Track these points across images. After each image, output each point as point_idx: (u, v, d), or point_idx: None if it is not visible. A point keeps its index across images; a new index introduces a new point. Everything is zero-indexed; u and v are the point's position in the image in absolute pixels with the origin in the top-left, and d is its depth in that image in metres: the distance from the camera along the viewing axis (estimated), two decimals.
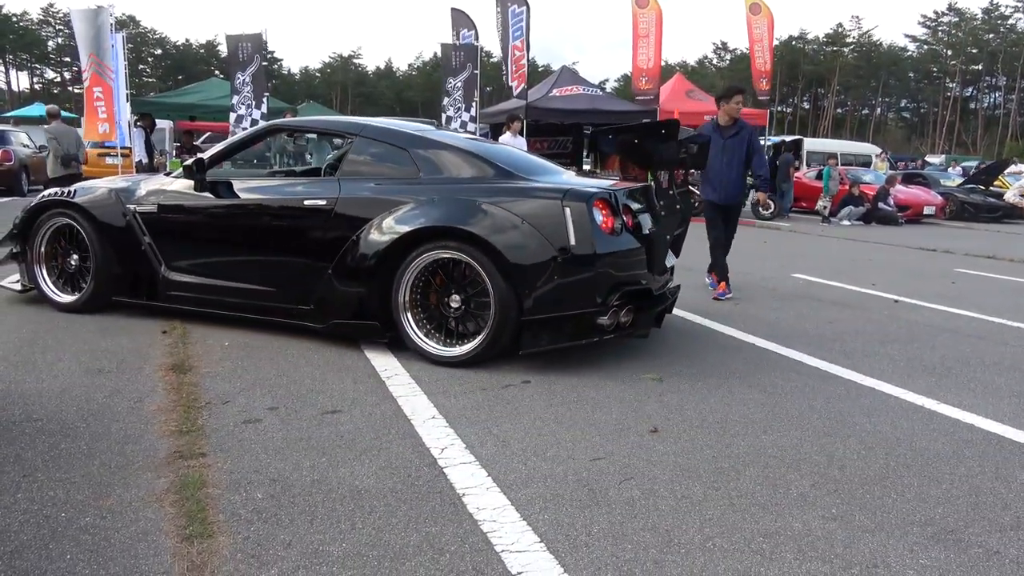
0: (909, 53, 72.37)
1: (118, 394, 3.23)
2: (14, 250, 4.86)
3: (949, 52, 69.10)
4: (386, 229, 3.86)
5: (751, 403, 3.43)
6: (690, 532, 2.22)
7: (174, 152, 15.49)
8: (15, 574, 1.89)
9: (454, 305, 3.82)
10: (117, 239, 4.52)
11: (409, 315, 3.86)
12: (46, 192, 4.93)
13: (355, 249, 3.93)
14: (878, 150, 23.74)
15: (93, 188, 4.76)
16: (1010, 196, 17.55)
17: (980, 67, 67.71)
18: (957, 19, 68.86)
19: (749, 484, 2.56)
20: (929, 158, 37.12)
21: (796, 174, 16.40)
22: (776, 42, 22.72)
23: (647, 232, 4.02)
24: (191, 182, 4.33)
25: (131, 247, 4.51)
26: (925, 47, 71.65)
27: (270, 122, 4.89)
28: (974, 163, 30.75)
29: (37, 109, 28.56)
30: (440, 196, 3.88)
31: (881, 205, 15.23)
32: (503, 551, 2.07)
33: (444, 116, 13.76)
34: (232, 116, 12.60)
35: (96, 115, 10.59)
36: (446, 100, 13.80)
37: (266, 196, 4.32)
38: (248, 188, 4.38)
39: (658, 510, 2.35)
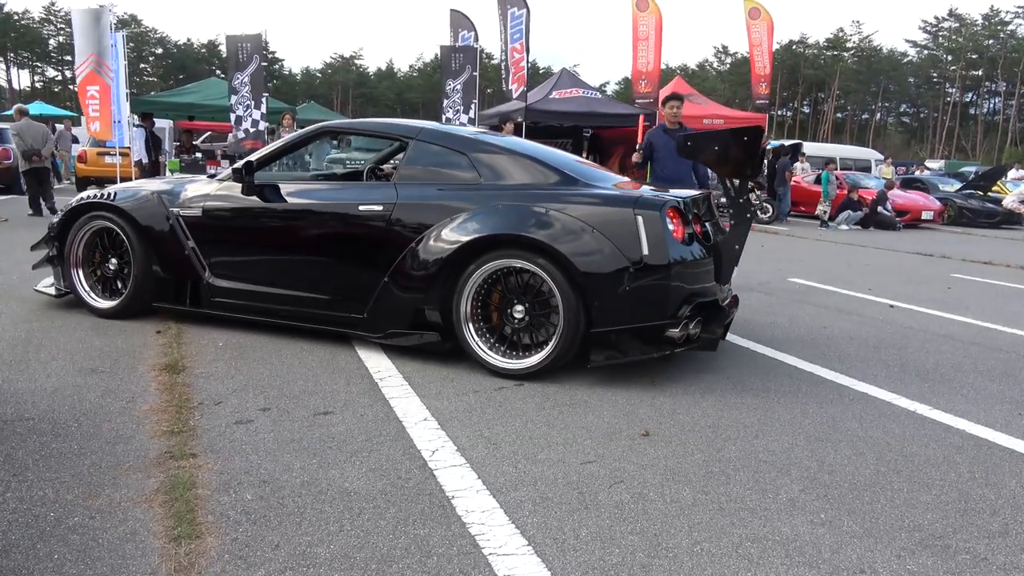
0: (909, 58, 72.53)
1: (111, 394, 3.23)
2: (51, 253, 4.74)
3: (949, 57, 69.23)
4: (448, 236, 3.74)
5: (743, 407, 3.43)
6: (678, 536, 2.22)
7: (173, 151, 15.48)
8: (2, 573, 1.89)
9: (517, 316, 3.71)
10: (159, 243, 4.40)
11: (471, 326, 3.76)
12: (84, 194, 4.81)
13: (414, 257, 3.82)
14: (878, 155, 23.76)
15: (135, 190, 4.62)
16: (1009, 202, 17.57)
17: (980, 72, 67.83)
18: (957, 24, 69.00)
19: (739, 489, 2.57)
20: (929, 163, 37.11)
21: (795, 177, 16.41)
22: (776, 46, 22.78)
23: (714, 241, 3.95)
24: (237, 185, 4.21)
25: (174, 252, 4.38)
26: (925, 52, 71.79)
27: (320, 124, 4.68)
28: (937, 164, 30.71)
29: (37, 107, 28.56)
30: (503, 202, 3.76)
31: (879, 210, 15.24)
32: (491, 554, 2.07)
33: (444, 118, 13.77)
34: (232, 117, 12.61)
35: (87, 113, 10.60)
36: (446, 102, 13.82)
37: (318, 200, 4.19)
38: (297, 192, 4.25)
39: (647, 514, 2.35)
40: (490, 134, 4.57)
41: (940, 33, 70.47)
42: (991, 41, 66.42)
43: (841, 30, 72.72)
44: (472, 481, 2.53)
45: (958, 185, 19.95)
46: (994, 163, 40.89)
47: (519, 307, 3.71)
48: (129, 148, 12.15)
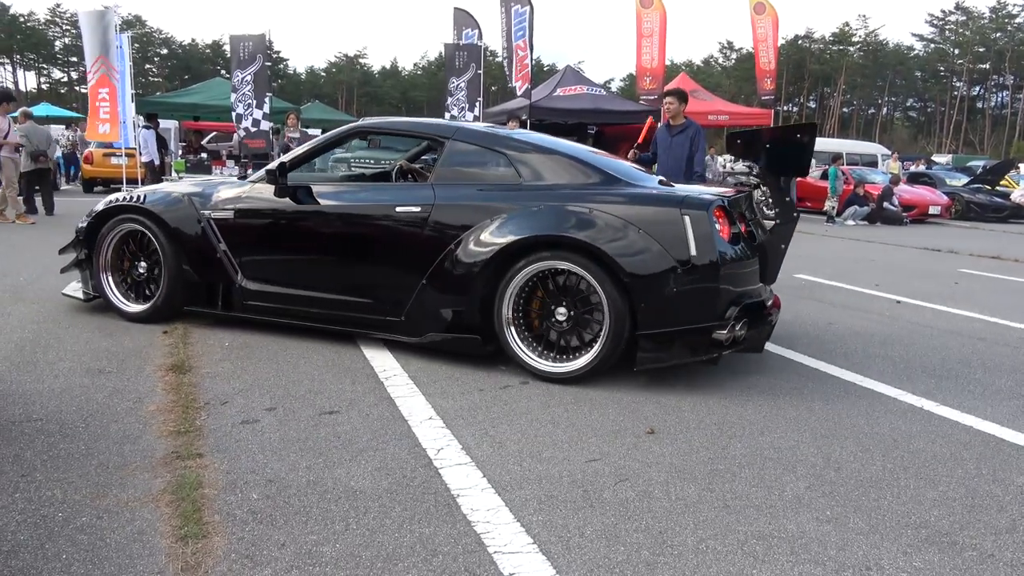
0: (916, 52, 72.11)
1: (118, 394, 3.25)
2: (79, 257, 4.70)
3: (956, 51, 68.81)
4: (489, 238, 3.68)
5: (749, 404, 3.42)
6: (683, 534, 2.22)
7: (180, 152, 15.53)
8: (11, 573, 1.91)
9: (560, 318, 3.65)
10: (190, 246, 4.35)
11: (513, 329, 3.70)
12: (112, 196, 4.75)
13: (453, 258, 3.76)
14: (884, 150, 23.66)
15: (165, 193, 4.56)
16: (1017, 196, 17.47)
17: (987, 66, 67.38)
18: (964, 18, 68.55)
19: (744, 486, 2.56)
20: (936, 157, 36.92)
21: None
22: (782, 41, 22.68)
23: (759, 241, 3.89)
24: (269, 187, 4.18)
25: (205, 255, 4.33)
26: (932, 46, 71.37)
27: (354, 124, 4.61)
28: (945, 159, 30.27)
29: (43, 109, 28.70)
30: (545, 203, 3.69)
31: (886, 205, 15.18)
32: (496, 552, 2.08)
33: (448, 116, 13.77)
34: (233, 115, 12.64)
35: (98, 115, 10.66)
36: (450, 100, 13.84)
37: (353, 202, 4.15)
38: (330, 193, 4.21)
39: (652, 512, 2.35)
40: (527, 133, 4.49)
41: (947, 27, 70.06)
42: (999, 34, 65.97)
43: (847, 24, 72.41)
44: (477, 479, 2.53)
45: (965, 180, 19.85)
46: (1002, 157, 40.62)
47: (561, 309, 3.65)
48: (135, 149, 12.20)
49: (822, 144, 20.68)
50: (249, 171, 12.01)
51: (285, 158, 4.32)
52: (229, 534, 2.12)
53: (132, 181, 12.21)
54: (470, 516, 2.27)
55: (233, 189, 4.41)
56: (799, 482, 2.61)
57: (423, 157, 5.22)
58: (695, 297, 3.46)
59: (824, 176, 16.21)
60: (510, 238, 3.63)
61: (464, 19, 16.50)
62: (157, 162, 12.28)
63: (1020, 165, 23.35)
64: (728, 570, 2.04)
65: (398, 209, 3.95)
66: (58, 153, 14.92)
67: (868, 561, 2.11)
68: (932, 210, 16.16)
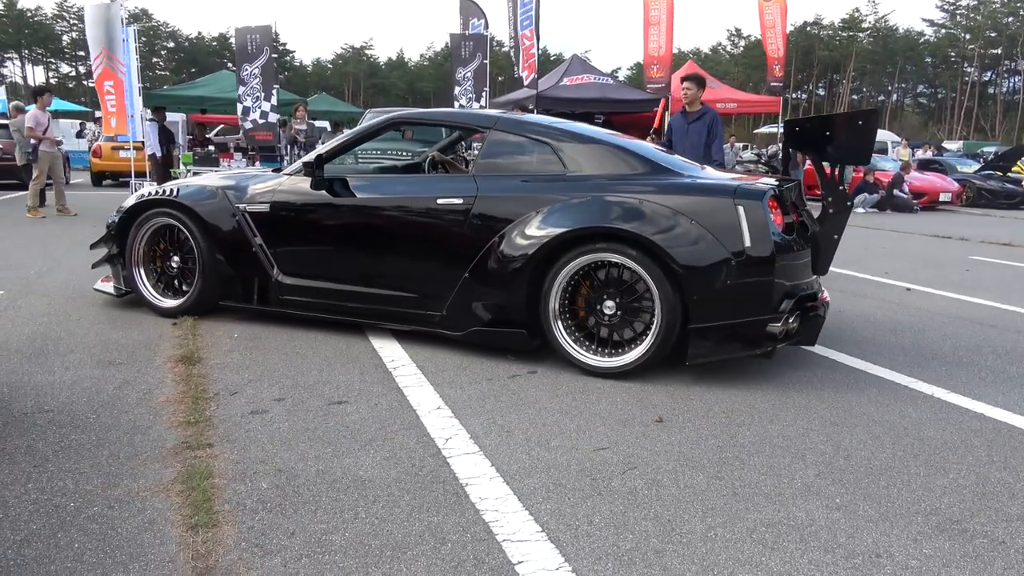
0: (926, 37, 71.34)
1: (128, 385, 3.27)
2: (112, 252, 4.65)
3: (967, 36, 68.04)
4: (535, 230, 3.60)
5: (758, 393, 3.41)
6: (692, 522, 2.22)
7: (186, 145, 15.56)
8: (23, 562, 1.93)
9: (608, 312, 3.58)
10: (225, 240, 4.30)
11: (560, 324, 3.63)
12: (144, 191, 4.72)
13: (497, 252, 3.69)
14: (895, 137, 23.47)
15: (199, 186, 4.51)
16: None
17: (999, 51, 66.60)
18: (976, 2, 67.71)
19: (753, 474, 2.56)
20: (947, 144, 36.58)
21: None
22: (791, 28, 22.50)
23: (811, 231, 3.82)
24: (305, 179, 4.13)
25: (241, 249, 4.28)
26: (943, 31, 70.56)
27: (391, 115, 4.50)
28: (956, 145, 29.65)
29: (52, 104, 28.75)
30: (592, 194, 3.60)
31: (896, 192, 15.06)
32: (504, 540, 2.08)
33: (456, 106, 13.74)
34: (239, 108, 12.64)
35: (105, 109, 10.71)
36: (457, 90, 13.79)
37: (392, 194, 4.08)
38: (368, 185, 4.15)
39: (661, 500, 2.35)
40: (569, 122, 4.41)
41: (958, 11, 69.23)
42: (1011, 19, 65.14)
43: (857, 10, 71.63)
44: (486, 468, 2.53)
45: (976, 166, 19.65)
46: (1014, 143, 40.21)
47: (609, 303, 3.58)
48: (143, 143, 12.23)
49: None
50: (256, 163, 12.07)
51: (321, 150, 4.25)
52: (239, 523, 2.14)
53: (140, 174, 12.26)
54: (479, 505, 2.28)
55: (268, 182, 4.36)
56: (808, 470, 2.60)
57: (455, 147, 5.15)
58: (750, 289, 3.39)
59: None
60: (558, 230, 3.55)
61: (470, 9, 16.44)
62: (159, 154, 12.29)
63: None
64: (737, 558, 2.03)
65: (439, 201, 3.88)
66: (67, 147, 14.97)
67: (878, 548, 2.10)
68: (943, 197, 16.02)
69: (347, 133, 4.43)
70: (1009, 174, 17.91)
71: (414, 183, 4.29)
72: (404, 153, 8.74)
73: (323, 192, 4.11)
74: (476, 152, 4.24)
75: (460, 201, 3.82)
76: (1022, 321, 5.15)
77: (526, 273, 3.62)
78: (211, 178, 4.72)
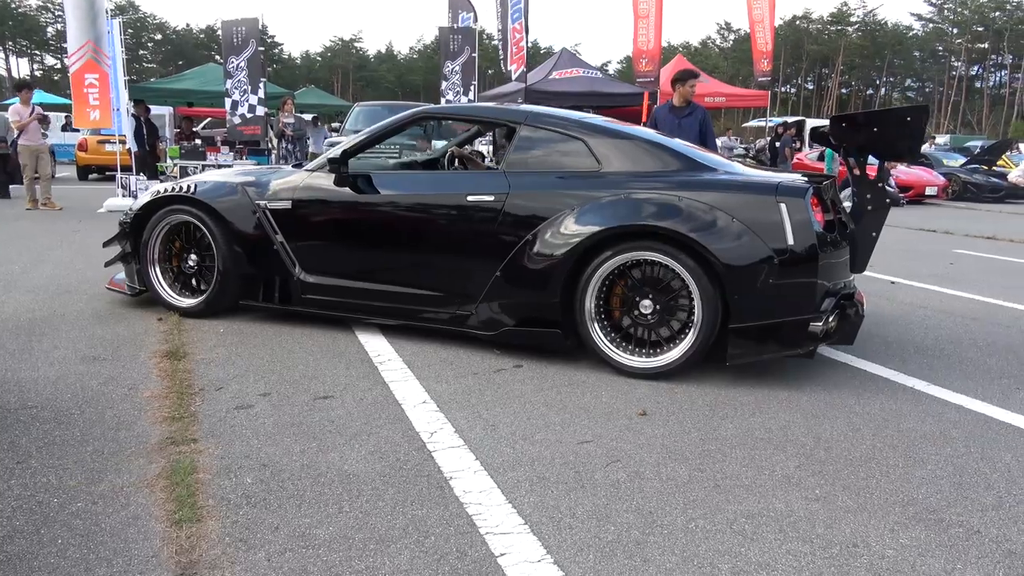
0: (914, 32, 71.74)
1: (113, 381, 3.26)
2: (125, 250, 4.53)
3: (955, 30, 68.45)
4: (571, 228, 3.52)
5: (741, 386, 3.45)
6: (673, 513, 2.25)
7: (173, 138, 15.45)
8: (7, 558, 1.93)
9: (645, 311, 3.52)
10: (245, 238, 4.20)
11: (596, 324, 3.56)
12: (160, 187, 4.60)
13: (530, 250, 3.61)
14: None
15: (217, 182, 4.39)
16: (1014, 176, 17.44)
17: (986, 45, 67.06)
18: None
19: (735, 466, 2.59)
20: (936, 138, 36.78)
21: (798, 155, 16.32)
22: (779, 22, 22.55)
23: (850, 229, 3.79)
24: (327, 176, 4.04)
25: (261, 247, 4.19)
26: (930, 26, 70.97)
27: (417, 109, 4.40)
28: (943, 139, 29.68)
29: (37, 96, 28.42)
30: (628, 191, 3.53)
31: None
32: (487, 533, 2.10)
33: (444, 100, 13.71)
34: (228, 102, 12.56)
35: (87, 102, 10.47)
36: (444, 84, 13.75)
37: (418, 191, 3.99)
38: (393, 181, 4.09)
39: (643, 492, 2.38)
40: (601, 118, 4.33)
41: (945, 6, 69.59)
42: (997, 13, 65.57)
43: (845, 4, 71.85)
44: (470, 462, 2.55)
45: (963, 160, 19.80)
46: (1000, 137, 40.51)
47: (646, 302, 3.51)
48: (126, 136, 12.14)
49: (819, 124, 20.61)
50: (244, 157, 12.00)
51: (345, 145, 4.12)
52: (223, 518, 2.14)
53: (126, 168, 12.18)
54: (462, 498, 2.30)
55: (290, 177, 4.25)
56: (789, 461, 2.64)
57: (431, 144, 5.13)
58: (792, 288, 3.33)
59: (821, 157, 16.16)
60: (595, 228, 3.47)
61: (459, 2, 16.38)
62: (135, 150, 12.16)
63: (1019, 145, 23.28)
64: (717, 548, 2.06)
65: (469, 198, 3.79)
66: (52, 140, 14.83)
67: (855, 538, 2.13)
68: (929, 190, 16.12)
69: (371, 128, 4.32)
70: (994, 168, 18.07)
71: (442, 180, 4.22)
72: (394, 147, 8.75)
73: (347, 189, 4.03)
74: (500, 148, 4.14)
75: (492, 198, 3.74)
76: (1004, 314, 5.21)
77: (561, 272, 3.55)
78: (228, 174, 4.61)
